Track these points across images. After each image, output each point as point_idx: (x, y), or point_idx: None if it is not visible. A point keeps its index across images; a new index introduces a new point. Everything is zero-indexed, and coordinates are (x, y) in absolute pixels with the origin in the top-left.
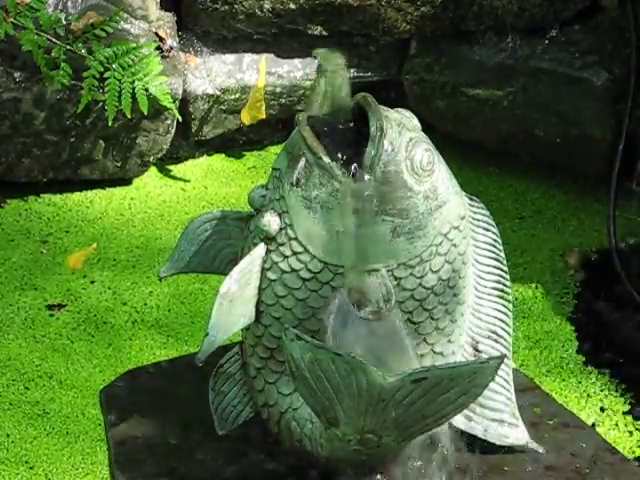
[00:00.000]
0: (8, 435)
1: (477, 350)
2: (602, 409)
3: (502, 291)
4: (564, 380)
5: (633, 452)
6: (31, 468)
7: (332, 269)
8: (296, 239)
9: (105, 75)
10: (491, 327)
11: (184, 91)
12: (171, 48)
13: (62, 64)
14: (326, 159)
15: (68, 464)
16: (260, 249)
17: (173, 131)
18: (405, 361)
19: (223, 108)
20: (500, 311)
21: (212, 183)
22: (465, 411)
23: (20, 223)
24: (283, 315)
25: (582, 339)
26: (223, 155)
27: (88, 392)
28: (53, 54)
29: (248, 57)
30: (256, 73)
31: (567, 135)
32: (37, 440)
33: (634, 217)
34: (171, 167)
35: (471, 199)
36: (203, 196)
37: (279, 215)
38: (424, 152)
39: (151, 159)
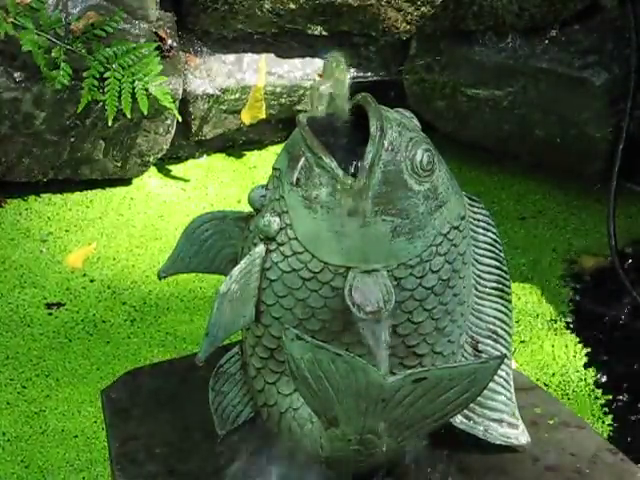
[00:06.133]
0: (4, 433)
1: (477, 350)
2: (601, 408)
3: (502, 291)
4: (560, 381)
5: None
6: (27, 466)
7: (332, 269)
8: (296, 239)
9: (105, 75)
10: (491, 327)
11: (184, 91)
12: (171, 48)
13: (62, 64)
14: (326, 159)
15: (63, 461)
16: (260, 249)
17: (173, 131)
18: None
19: (223, 108)
20: (500, 311)
21: (212, 183)
22: (465, 411)
23: (20, 222)
24: (283, 315)
25: (582, 339)
26: (223, 155)
27: (85, 390)
28: (53, 54)
29: (248, 57)
30: (256, 73)
31: (567, 135)
32: (33, 438)
33: (634, 217)
34: (171, 167)
35: (471, 199)
36: (203, 196)
37: (279, 215)
38: (424, 152)
39: (151, 159)
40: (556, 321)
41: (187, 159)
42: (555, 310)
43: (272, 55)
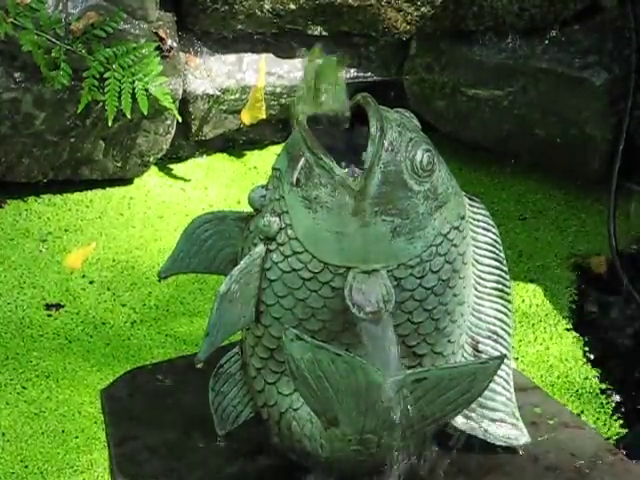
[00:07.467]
0: (4, 434)
1: (477, 350)
2: (606, 410)
3: (502, 291)
4: (565, 382)
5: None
6: (26, 467)
7: (332, 269)
8: (296, 239)
9: (105, 75)
10: (491, 327)
11: (184, 91)
12: (171, 48)
13: (62, 64)
14: (326, 159)
15: (63, 462)
16: (260, 249)
17: (173, 131)
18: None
19: (223, 108)
20: (500, 311)
21: (212, 183)
22: (465, 411)
23: (20, 223)
24: (283, 315)
25: (586, 340)
26: (223, 155)
27: (85, 391)
28: (53, 54)
29: (248, 57)
30: (256, 73)
31: (567, 135)
32: (32, 438)
33: (634, 217)
34: (171, 167)
35: (471, 199)
36: (203, 196)
37: (279, 215)
38: (424, 152)
39: (151, 159)
40: (560, 322)
41: (187, 159)
42: (559, 311)
43: (272, 55)
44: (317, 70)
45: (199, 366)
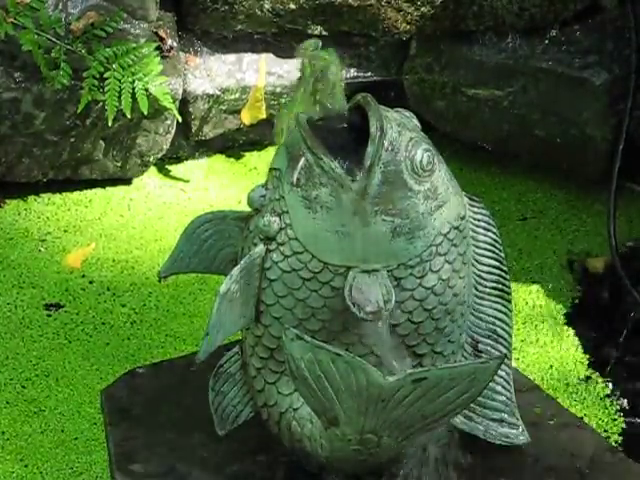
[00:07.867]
0: (3, 433)
1: (477, 350)
2: (608, 410)
3: (502, 291)
4: (566, 383)
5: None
6: (26, 466)
7: (332, 269)
8: (296, 239)
9: (105, 75)
10: (491, 327)
11: (184, 91)
12: (171, 48)
13: (62, 64)
14: (326, 159)
15: (62, 462)
16: (260, 249)
17: (173, 131)
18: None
19: (223, 108)
20: (500, 311)
21: (212, 183)
22: (465, 411)
23: (19, 222)
24: (283, 315)
25: (588, 340)
26: (223, 155)
27: (84, 391)
28: (53, 54)
29: (248, 57)
30: (256, 73)
31: (567, 135)
32: (32, 438)
33: (635, 217)
34: (171, 167)
35: (471, 199)
36: (203, 196)
37: (279, 215)
38: (424, 152)
39: (151, 159)
40: (560, 323)
41: (187, 159)
42: (559, 311)
43: (272, 55)
44: (315, 65)
45: (198, 365)
